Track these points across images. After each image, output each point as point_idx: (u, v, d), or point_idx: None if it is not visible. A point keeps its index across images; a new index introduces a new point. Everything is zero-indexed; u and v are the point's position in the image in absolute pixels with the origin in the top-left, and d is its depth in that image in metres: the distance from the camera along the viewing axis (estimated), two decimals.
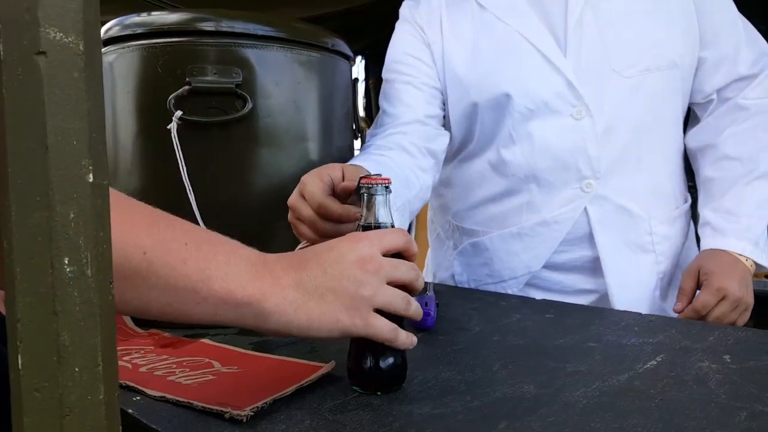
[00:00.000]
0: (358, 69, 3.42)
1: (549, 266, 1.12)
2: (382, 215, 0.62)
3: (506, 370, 0.65)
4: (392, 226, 0.63)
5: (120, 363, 0.72)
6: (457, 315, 0.91)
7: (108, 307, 0.33)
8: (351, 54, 1.05)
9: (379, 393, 0.60)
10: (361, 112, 3.43)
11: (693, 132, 1.17)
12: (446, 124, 1.18)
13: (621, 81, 1.04)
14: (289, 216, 0.78)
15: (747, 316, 0.99)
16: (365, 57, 3.40)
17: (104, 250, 0.33)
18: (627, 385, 0.60)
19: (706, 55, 1.10)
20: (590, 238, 1.07)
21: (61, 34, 0.32)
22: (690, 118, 1.19)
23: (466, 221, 1.19)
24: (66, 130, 0.32)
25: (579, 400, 0.56)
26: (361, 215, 0.63)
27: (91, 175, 0.32)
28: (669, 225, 1.11)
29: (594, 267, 1.09)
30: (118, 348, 0.76)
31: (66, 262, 0.31)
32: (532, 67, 1.06)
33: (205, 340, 0.80)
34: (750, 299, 0.99)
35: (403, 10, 1.22)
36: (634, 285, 1.08)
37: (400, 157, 1.05)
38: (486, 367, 0.67)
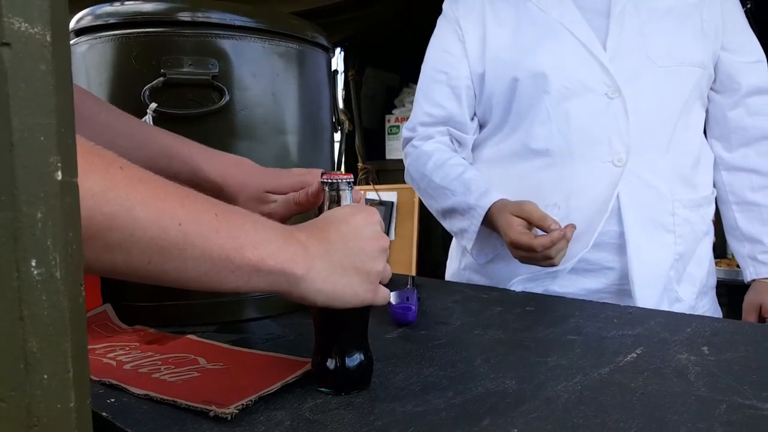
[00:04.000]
0: (337, 61, 3.40)
1: None
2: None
3: (488, 365, 0.65)
4: None
5: (104, 360, 0.71)
6: (439, 309, 0.91)
7: (79, 310, 0.32)
8: (330, 45, 1.04)
9: (343, 393, 0.59)
10: (341, 104, 3.42)
11: (725, 131, 1.25)
12: (483, 107, 1.27)
13: (655, 69, 1.12)
14: None
15: None
16: (344, 49, 3.38)
17: (74, 251, 0.32)
18: (608, 379, 0.60)
19: (736, 58, 1.20)
20: (618, 213, 1.11)
21: (27, 25, 0.30)
22: (710, 122, 1.27)
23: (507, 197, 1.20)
24: (32, 126, 0.30)
25: (561, 395, 0.56)
26: (324, 209, 0.64)
27: (59, 173, 0.31)
28: (691, 210, 1.17)
29: (618, 244, 1.12)
30: (102, 345, 0.76)
31: (33, 264, 0.30)
32: (569, 50, 1.14)
33: (191, 336, 0.79)
34: None
35: (444, 6, 1.33)
36: (652, 263, 1.12)
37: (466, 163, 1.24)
38: (468, 362, 0.66)
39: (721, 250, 2.74)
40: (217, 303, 0.87)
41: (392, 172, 3.33)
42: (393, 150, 3.51)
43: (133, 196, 0.43)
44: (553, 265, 1.02)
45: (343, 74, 3.41)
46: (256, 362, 0.69)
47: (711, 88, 1.23)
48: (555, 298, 0.96)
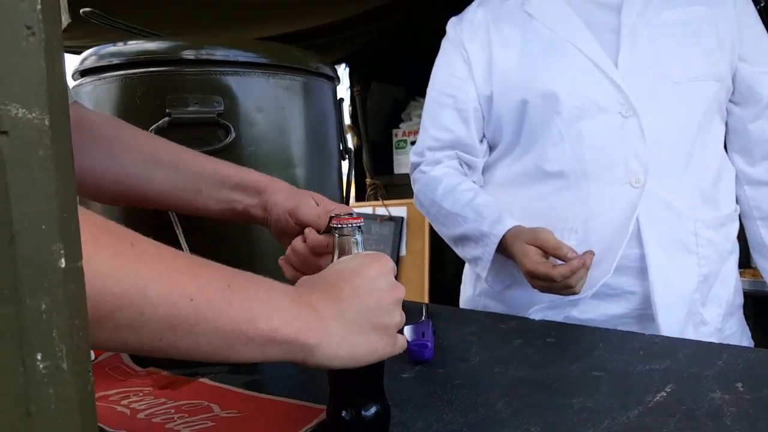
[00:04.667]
0: (342, 76, 3.40)
1: None
2: (355, 252, 0.61)
3: (510, 409, 0.63)
4: None
5: (118, 408, 0.70)
6: (456, 342, 0.89)
7: (88, 401, 0.31)
8: (335, 75, 1.03)
9: None
10: (348, 120, 3.41)
11: (747, 143, 1.20)
12: (492, 128, 1.24)
13: (671, 85, 1.09)
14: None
15: None
16: (348, 65, 3.38)
17: (81, 339, 0.31)
18: (638, 423, 0.58)
19: (755, 69, 1.15)
20: (638, 235, 1.08)
21: (24, 110, 0.29)
22: (730, 135, 1.22)
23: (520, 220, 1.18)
24: (33, 215, 0.29)
25: None
26: (333, 256, 0.61)
27: (63, 260, 0.30)
28: (714, 230, 1.13)
29: (640, 267, 1.09)
30: (116, 390, 0.75)
31: (39, 358, 0.29)
32: (579, 69, 1.11)
33: (203, 380, 0.78)
34: None
35: (447, 28, 1.30)
36: (676, 285, 1.08)
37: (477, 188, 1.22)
38: (489, 405, 0.64)
39: (744, 259, 2.69)
40: None
41: (401, 187, 3.31)
42: (401, 164, 3.49)
43: (144, 274, 0.42)
44: (574, 294, 1.00)
45: (348, 90, 3.40)
46: (271, 409, 0.67)
47: (730, 101, 1.19)
48: (576, 328, 0.94)
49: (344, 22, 2.47)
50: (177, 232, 0.83)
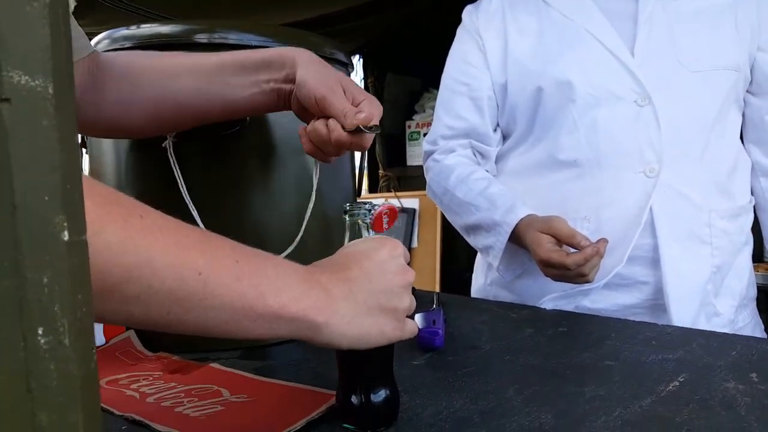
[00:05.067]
0: (357, 68, 3.38)
1: None
2: (366, 236, 0.62)
3: (521, 396, 0.62)
4: None
5: (127, 392, 0.70)
6: (467, 330, 0.88)
7: (91, 378, 0.30)
8: (349, 61, 1.02)
9: (369, 431, 0.57)
10: None
11: (758, 144, 1.19)
12: (506, 117, 1.24)
13: (688, 75, 1.07)
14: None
15: None
16: (363, 56, 3.36)
17: (84, 315, 0.30)
18: (650, 412, 0.57)
19: None
20: (651, 225, 1.07)
21: (27, 78, 0.28)
22: (747, 126, 1.20)
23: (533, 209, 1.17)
24: (35, 185, 0.29)
25: (601, 431, 0.53)
26: (345, 238, 0.62)
27: (66, 233, 0.29)
28: (728, 221, 1.12)
29: (652, 257, 1.08)
30: (126, 375, 0.75)
31: (40, 332, 0.28)
32: (595, 57, 1.10)
33: (214, 365, 0.78)
34: None
35: (463, 16, 1.30)
36: (688, 275, 1.07)
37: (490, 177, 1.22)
38: (500, 393, 0.64)
39: (758, 253, 2.67)
40: None
41: (413, 179, 3.30)
42: (414, 156, 3.48)
43: (152, 246, 0.42)
44: (587, 282, 0.99)
45: (362, 81, 3.39)
46: (280, 394, 0.67)
47: (747, 91, 1.17)
48: (588, 317, 0.92)
49: (358, 9, 2.45)
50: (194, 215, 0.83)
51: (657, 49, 1.08)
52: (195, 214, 0.83)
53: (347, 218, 0.62)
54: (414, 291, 1.15)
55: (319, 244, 0.92)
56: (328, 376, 0.71)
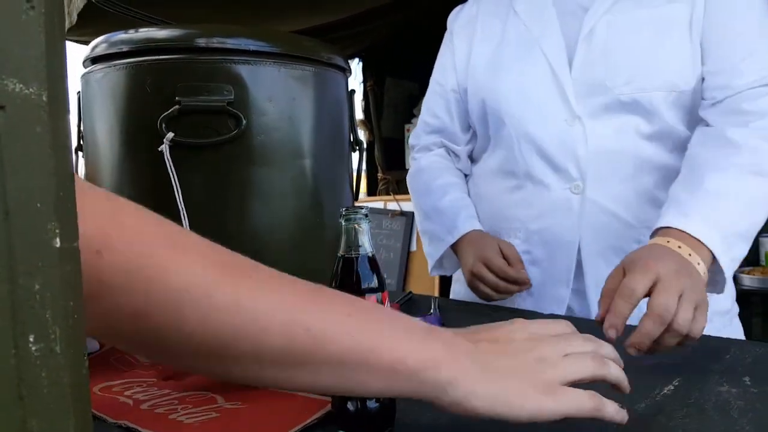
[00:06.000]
0: (356, 72, 3.39)
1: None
2: (362, 241, 0.62)
3: None
4: (372, 254, 0.63)
5: (121, 399, 0.69)
6: None
7: (81, 385, 0.30)
8: (347, 66, 1.02)
9: None
10: (360, 115, 3.41)
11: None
12: (471, 120, 1.29)
13: (614, 97, 1.07)
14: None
15: (702, 318, 0.73)
16: (362, 60, 3.37)
17: (75, 322, 0.30)
18: (645, 416, 0.57)
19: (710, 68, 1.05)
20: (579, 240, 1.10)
21: (21, 85, 0.29)
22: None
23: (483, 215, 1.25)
24: (28, 192, 0.29)
25: None
26: (340, 243, 0.63)
27: (57, 240, 0.29)
28: None
29: (578, 272, 1.11)
30: (120, 381, 0.75)
31: (31, 339, 0.29)
32: (537, 73, 1.13)
33: None
34: (700, 296, 0.75)
35: (449, 18, 1.36)
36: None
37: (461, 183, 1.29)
38: None
39: (753, 256, 2.68)
40: None
41: None
42: None
43: (259, 305, 0.42)
44: (491, 298, 1.08)
45: (362, 84, 3.39)
46: (275, 401, 0.67)
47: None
48: (586, 321, 0.92)
49: (358, 16, 2.47)
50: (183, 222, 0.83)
51: (590, 70, 1.08)
52: (185, 221, 0.83)
53: (343, 223, 0.62)
54: (411, 296, 1.16)
55: (317, 248, 0.92)
56: None
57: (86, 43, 0.97)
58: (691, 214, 0.87)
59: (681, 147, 1.07)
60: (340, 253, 0.62)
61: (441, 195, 1.24)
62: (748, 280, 2.42)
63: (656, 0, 1.05)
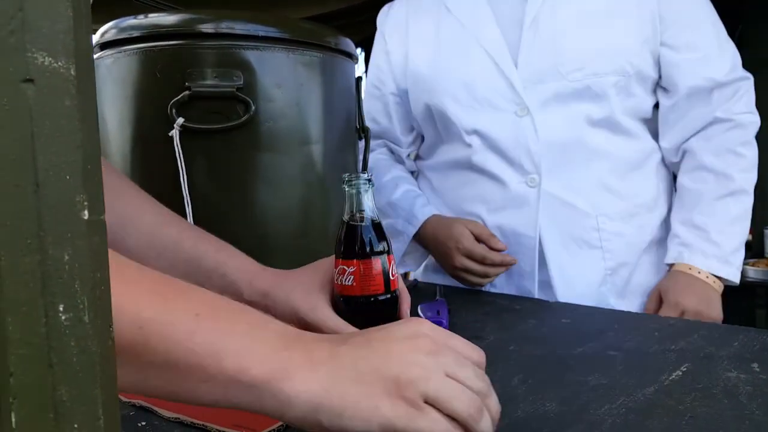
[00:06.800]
0: (360, 60, 3.38)
1: None
2: (366, 206, 0.64)
3: (526, 385, 0.63)
4: (376, 219, 0.65)
5: None
6: (470, 321, 0.89)
7: (109, 354, 0.31)
8: (354, 52, 1.03)
9: None
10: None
11: (667, 132, 1.16)
12: (414, 120, 1.27)
13: (566, 83, 1.07)
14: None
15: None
16: (364, 49, 3.36)
17: (102, 293, 0.31)
18: (653, 400, 0.57)
19: (677, 56, 1.10)
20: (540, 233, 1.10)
21: (50, 59, 0.29)
22: (661, 118, 1.17)
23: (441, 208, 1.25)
24: (58, 165, 0.29)
25: (605, 419, 0.54)
26: (345, 208, 0.64)
27: (86, 212, 0.30)
28: (621, 222, 1.11)
29: (542, 264, 1.12)
30: None
31: (61, 309, 0.29)
32: (480, 68, 1.12)
33: None
34: (714, 314, 1.04)
35: (378, 19, 1.33)
36: (577, 279, 1.10)
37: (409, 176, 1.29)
38: (505, 382, 0.64)
39: (758, 249, 2.69)
40: None
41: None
42: None
43: None
44: (479, 285, 1.08)
45: (364, 74, 3.39)
46: None
47: (661, 86, 1.14)
48: (591, 309, 0.93)
49: (360, 6, 2.46)
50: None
51: (538, 58, 1.08)
52: (188, 207, 0.83)
53: (346, 188, 0.63)
54: (417, 283, 1.16)
55: (324, 233, 0.93)
56: None
57: (94, 30, 0.97)
58: (702, 255, 1.07)
59: (625, 133, 1.12)
60: (344, 218, 0.63)
61: (392, 189, 1.24)
62: (753, 272, 2.42)
63: None
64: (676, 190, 1.18)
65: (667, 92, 1.13)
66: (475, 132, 1.13)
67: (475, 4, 1.14)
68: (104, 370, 0.30)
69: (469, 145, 1.14)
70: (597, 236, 1.09)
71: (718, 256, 1.06)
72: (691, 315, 1.01)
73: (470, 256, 1.06)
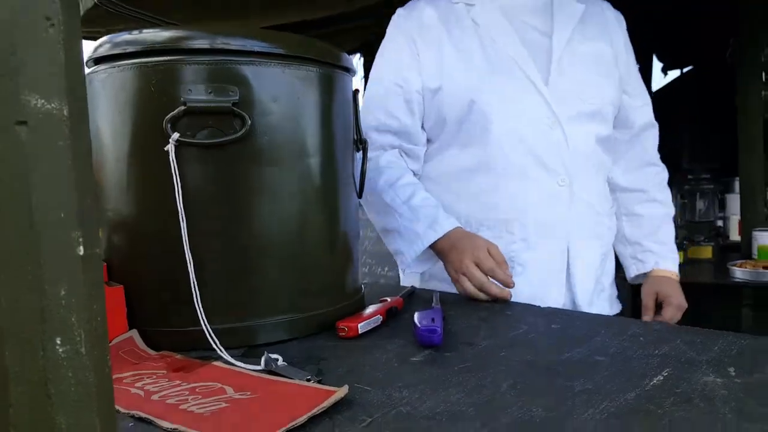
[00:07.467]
0: (358, 67, 3.39)
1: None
2: None
3: (515, 391, 0.65)
4: None
5: (132, 390, 0.71)
6: (464, 327, 0.91)
7: (106, 382, 0.32)
8: (352, 66, 1.04)
9: None
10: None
11: (620, 158, 1.52)
12: (433, 121, 1.37)
13: (585, 107, 1.33)
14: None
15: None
16: (363, 54, 3.37)
17: (98, 324, 0.32)
18: (635, 405, 0.60)
19: (634, 102, 1.48)
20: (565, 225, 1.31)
21: (43, 101, 0.30)
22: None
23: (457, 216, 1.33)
24: (53, 203, 0.31)
25: (588, 424, 0.56)
26: None
27: (81, 248, 0.31)
28: (609, 218, 1.45)
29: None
30: (130, 373, 0.77)
31: (58, 342, 0.31)
32: (517, 82, 1.30)
33: (217, 363, 0.79)
34: (684, 301, 1.44)
35: (396, 20, 1.41)
36: (587, 262, 1.35)
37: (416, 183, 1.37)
38: (495, 387, 0.66)
39: (745, 251, 2.70)
40: (242, 327, 0.87)
41: None
42: None
43: None
44: (474, 295, 1.13)
45: (363, 80, 3.40)
46: (283, 391, 0.69)
47: (620, 119, 1.46)
48: (579, 314, 0.95)
49: (359, 11, 2.46)
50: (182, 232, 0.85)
51: (566, 84, 1.31)
52: (183, 223, 0.84)
53: None
54: (414, 290, 1.18)
55: (323, 247, 0.94)
56: (331, 374, 0.73)
57: (94, 38, 0.98)
58: (671, 261, 1.51)
59: (611, 150, 1.45)
60: None
61: (411, 193, 1.31)
62: (740, 273, 2.43)
63: (592, 40, 1.38)
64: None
65: (619, 129, 1.47)
66: (515, 134, 1.28)
67: (500, 26, 1.32)
68: (101, 398, 0.32)
69: (499, 147, 1.28)
70: (600, 230, 1.39)
71: (675, 260, 1.52)
72: (683, 310, 1.42)
73: (478, 265, 1.14)
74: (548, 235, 1.29)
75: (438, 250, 1.26)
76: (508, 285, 1.12)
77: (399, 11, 1.41)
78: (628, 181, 1.53)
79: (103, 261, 0.93)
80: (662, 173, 1.56)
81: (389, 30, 1.41)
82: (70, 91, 0.33)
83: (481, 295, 1.12)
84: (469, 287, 1.13)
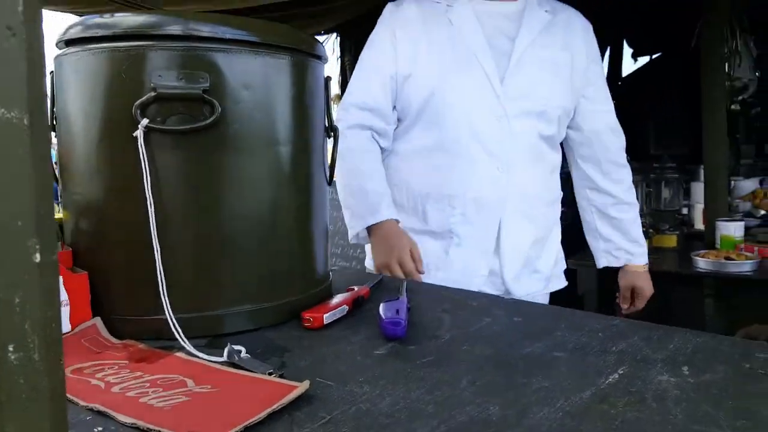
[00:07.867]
0: (334, 46, 3.37)
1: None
2: None
3: (474, 387, 0.66)
4: None
5: (92, 381, 0.71)
6: (428, 319, 0.92)
7: (59, 389, 0.33)
8: (324, 54, 1.04)
9: None
10: (337, 90, 3.39)
11: (579, 158, 1.72)
12: (401, 104, 1.58)
13: (532, 106, 1.53)
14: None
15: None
16: (339, 34, 3.34)
17: (53, 331, 0.33)
18: (589, 404, 0.61)
19: (593, 106, 1.66)
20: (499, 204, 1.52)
21: (3, 110, 0.30)
22: (573, 147, 1.73)
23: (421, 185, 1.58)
24: (10, 212, 0.31)
25: (542, 423, 0.58)
26: None
27: (38, 255, 0.31)
28: (546, 206, 1.62)
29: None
30: (91, 363, 0.76)
31: (10, 349, 0.31)
32: (476, 78, 1.51)
33: (179, 355, 0.79)
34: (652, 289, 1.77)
35: (385, 12, 1.62)
36: (517, 242, 1.55)
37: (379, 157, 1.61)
38: (454, 383, 0.67)
39: (709, 241, 2.75)
40: (208, 316, 0.88)
41: None
42: None
43: None
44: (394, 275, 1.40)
45: (339, 60, 3.38)
46: (244, 385, 0.69)
47: (578, 121, 1.66)
48: (542, 307, 0.97)
49: None
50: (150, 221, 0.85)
51: (518, 84, 1.51)
52: (151, 209, 0.84)
53: None
54: (382, 278, 1.19)
55: (292, 234, 0.95)
56: (294, 367, 0.74)
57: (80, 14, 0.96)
58: (642, 257, 1.77)
59: (554, 148, 1.64)
60: None
61: (368, 178, 1.53)
62: (703, 263, 2.48)
63: (552, 47, 1.56)
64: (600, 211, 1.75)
65: (580, 131, 1.67)
66: (467, 123, 1.49)
67: (472, 28, 1.52)
68: (54, 404, 0.32)
69: (454, 133, 1.50)
70: (534, 214, 1.57)
71: (645, 253, 1.76)
72: (650, 295, 1.75)
73: (401, 265, 1.40)
74: (483, 212, 1.51)
75: (371, 233, 1.50)
76: (418, 280, 1.38)
77: (388, 6, 1.62)
78: (597, 180, 1.71)
79: (69, 247, 0.92)
80: (628, 176, 1.74)
81: (378, 22, 1.61)
82: (31, 101, 0.33)
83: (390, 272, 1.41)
84: (389, 275, 1.38)
